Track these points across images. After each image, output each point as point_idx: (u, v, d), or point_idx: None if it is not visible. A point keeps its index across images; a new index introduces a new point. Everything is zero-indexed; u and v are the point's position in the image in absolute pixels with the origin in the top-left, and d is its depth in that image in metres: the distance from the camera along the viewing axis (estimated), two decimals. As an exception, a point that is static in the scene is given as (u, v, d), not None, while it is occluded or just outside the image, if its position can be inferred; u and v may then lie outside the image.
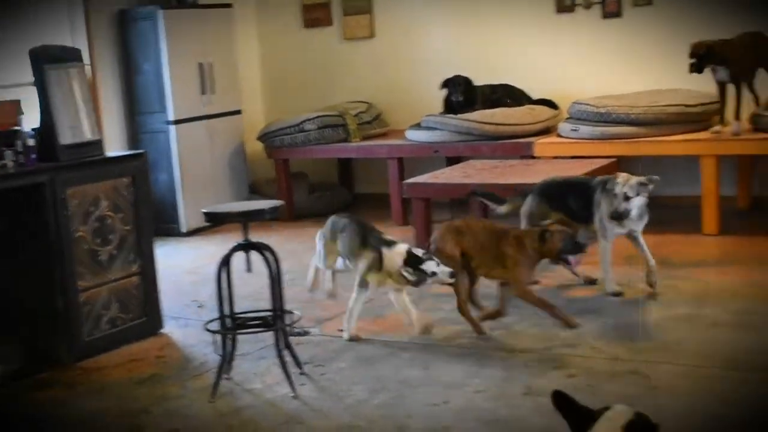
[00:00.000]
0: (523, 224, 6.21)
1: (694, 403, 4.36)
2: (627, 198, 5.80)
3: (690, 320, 5.51)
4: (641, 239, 6.06)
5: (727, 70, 7.50)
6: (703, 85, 7.82)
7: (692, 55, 7.45)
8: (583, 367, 4.88)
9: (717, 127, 7.74)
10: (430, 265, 5.24)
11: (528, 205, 6.28)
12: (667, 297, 5.97)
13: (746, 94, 7.63)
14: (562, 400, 2.60)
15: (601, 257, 6.10)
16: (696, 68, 7.46)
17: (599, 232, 6.09)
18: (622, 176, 5.93)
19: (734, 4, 8.36)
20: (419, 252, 5.30)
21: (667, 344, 5.18)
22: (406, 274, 5.25)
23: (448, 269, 5.25)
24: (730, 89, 7.63)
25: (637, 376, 4.71)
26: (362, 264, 5.44)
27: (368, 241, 5.46)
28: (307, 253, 7.93)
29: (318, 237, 5.76)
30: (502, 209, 6.47)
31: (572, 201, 6.21)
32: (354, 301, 5.54)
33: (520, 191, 6.45)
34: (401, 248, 5.33)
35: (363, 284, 5.48)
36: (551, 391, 2.61)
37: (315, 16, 10.31)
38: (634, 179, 5.85)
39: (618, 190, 5.82)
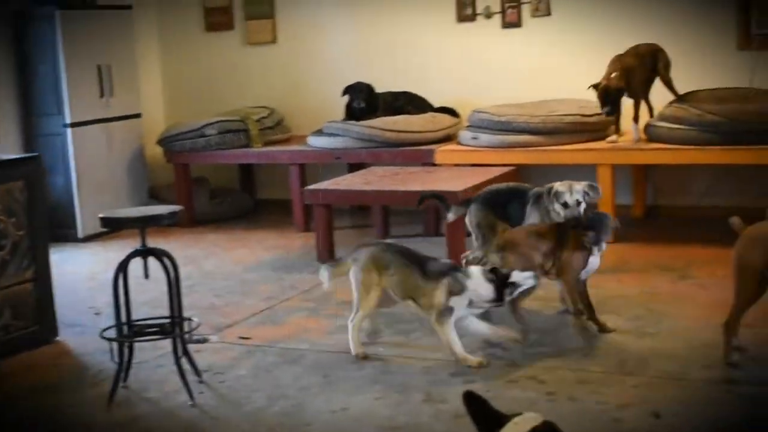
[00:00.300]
0: (474, 235, 6.19)
1: (590, 408, 4.44)
2: (578, 203, 5.85)
3: (586, 327, 5.60)
4: None
5: (625, 91, 7.66)
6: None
7: (604, 102, 7.50)
8: (480, 373, 4.92)
9: (613, 137, 7.90)
10: (516, 275, 5.07)
11: (473, 215, 6.19)
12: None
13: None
14: (473, 402, 2.55)
15: None
16: (612, 112, 7.60)
17: None
18: (560, 185, 5.89)
19: (629, 14, 8.55)
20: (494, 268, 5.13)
21: (564, 350, 5.26)
22: (509, 297, 5.09)
23: (528, 272, 5.15)
24: (625, 100, 7.80)
25: (534, 382, 4.78)
26: (438, 296, 5.06)
27: (429, 269, 5.14)
28: (208, 260, 7.92)
29: (355, 284, 5.28)
30: (451, 216, 6.41)
31: (517, 209, 6.19)
32: (450, 335, 5.08)
33: (462, 200, 6.39)
34: (477, 270, 5.11)
35: (449, 311, 5.07)
36: (462, 393, 2.56)
37: (217, 19, 10.23)
38: (577, 185, 5.88)
39: (568, 199, 5.83)
